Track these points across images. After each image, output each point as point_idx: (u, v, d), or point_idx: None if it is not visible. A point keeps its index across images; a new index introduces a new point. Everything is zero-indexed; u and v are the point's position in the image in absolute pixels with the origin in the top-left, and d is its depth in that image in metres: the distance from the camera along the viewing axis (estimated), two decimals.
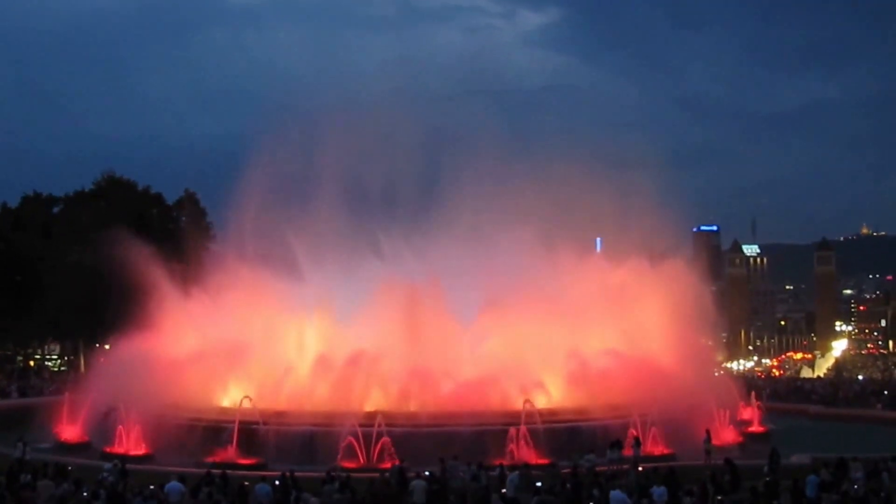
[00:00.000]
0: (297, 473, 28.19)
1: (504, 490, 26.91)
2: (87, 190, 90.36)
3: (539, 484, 27.96)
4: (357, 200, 51.41)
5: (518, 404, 37.81)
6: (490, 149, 52.04)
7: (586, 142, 52.43)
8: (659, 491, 25.07)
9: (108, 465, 30.34)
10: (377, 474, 29.15)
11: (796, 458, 32.78)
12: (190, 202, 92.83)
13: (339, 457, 34.27)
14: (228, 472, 28.82)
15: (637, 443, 35.50)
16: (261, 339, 43.75)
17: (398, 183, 52.57)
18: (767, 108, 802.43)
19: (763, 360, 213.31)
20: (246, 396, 38.84)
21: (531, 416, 37.20)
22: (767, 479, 27.05)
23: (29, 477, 26.71)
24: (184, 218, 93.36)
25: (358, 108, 52.56)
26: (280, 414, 38.66)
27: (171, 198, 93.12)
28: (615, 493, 24.07)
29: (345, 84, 57.71)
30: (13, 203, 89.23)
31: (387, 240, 51.21)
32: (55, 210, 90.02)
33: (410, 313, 42.40)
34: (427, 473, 28.54)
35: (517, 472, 28.67)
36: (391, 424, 35.74)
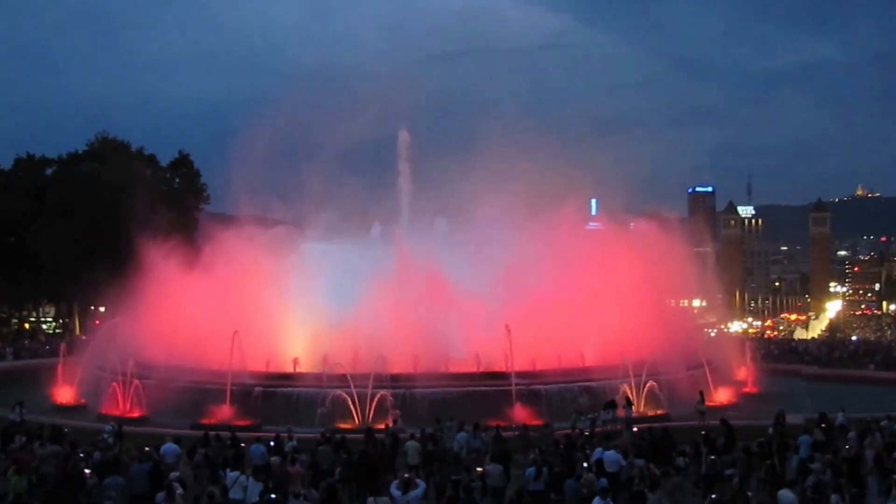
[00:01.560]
0: (294, 435, 28.25)
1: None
2: (80, 151, 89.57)
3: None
4: (350, 164, 51.19)
5: (516, 366, 37.73)
6: (484, 109, 51.75)
7: (582, 102, 52.15)
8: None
9: (107, 427, 30.30)
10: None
11: (790, 419, 32.91)
12: (184, 164, 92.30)
13: (317, 417, 34.58)
14: (223, 433, 28.79)
15: (629, 403, 35.56)
16: (256, 301, 43.60)
17: (391, 145, 52.27)
18: (764, 67, 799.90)
19: (757, 322, 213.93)
20: (235, 332, 37.47)
21: (524, 376, 37.31)
22: (761, 439, 27.09)
23: (23, 439, 26.70)
24: (178, 179, 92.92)
25: (351, 68, 52.17)
26: (273, 376, 38.81)
27: (164, 159, 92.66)
28: (609, 454, 24.12)
29: (338, 44, 57.29)
30: (6, 165, 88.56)
31: (378, 205, 51.02)
32: (48, 172, 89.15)
33: (404, 272, 42.29)
34: (420, 434, 28.47)
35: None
36: (385, 385, 35.82)
